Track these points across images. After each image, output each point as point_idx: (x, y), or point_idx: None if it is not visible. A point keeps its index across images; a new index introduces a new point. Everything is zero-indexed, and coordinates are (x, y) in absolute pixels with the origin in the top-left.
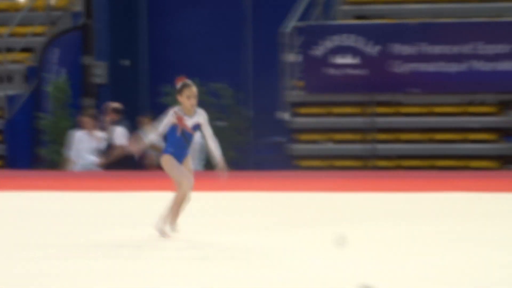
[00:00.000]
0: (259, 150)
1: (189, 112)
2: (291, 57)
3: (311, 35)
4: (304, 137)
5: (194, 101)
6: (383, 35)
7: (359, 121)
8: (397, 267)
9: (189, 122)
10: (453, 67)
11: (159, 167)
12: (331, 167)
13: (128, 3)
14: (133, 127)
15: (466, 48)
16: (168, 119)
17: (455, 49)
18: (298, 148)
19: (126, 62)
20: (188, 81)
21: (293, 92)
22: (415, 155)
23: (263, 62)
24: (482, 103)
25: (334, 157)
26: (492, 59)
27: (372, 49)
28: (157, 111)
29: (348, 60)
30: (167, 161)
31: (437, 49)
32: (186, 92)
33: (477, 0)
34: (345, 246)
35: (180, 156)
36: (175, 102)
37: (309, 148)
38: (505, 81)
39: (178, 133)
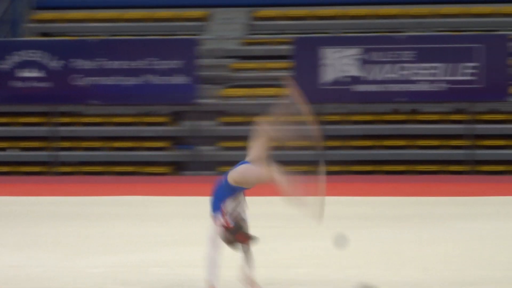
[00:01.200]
0: None
1: None
2: None
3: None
4: None
5: None
6: (66, 51)
7: (43, 130)
8: None
9: None
10: (130, 81)
11: None
12: (17, 173)
13: None
14: None
15: (142, 63)
16: None
17: (132, 64)
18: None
19: None
20: None
21: None
22: (96, 161)
23: None
24: (156, 114)
25: (20, 164)
26: (165, 73)
27: (56, 64)
28: None
29: (34, 73)
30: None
31: (115, 64)
32: None
33: (151, 19)
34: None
35: None
36: None
37: None
38: (177, 94)
39: None
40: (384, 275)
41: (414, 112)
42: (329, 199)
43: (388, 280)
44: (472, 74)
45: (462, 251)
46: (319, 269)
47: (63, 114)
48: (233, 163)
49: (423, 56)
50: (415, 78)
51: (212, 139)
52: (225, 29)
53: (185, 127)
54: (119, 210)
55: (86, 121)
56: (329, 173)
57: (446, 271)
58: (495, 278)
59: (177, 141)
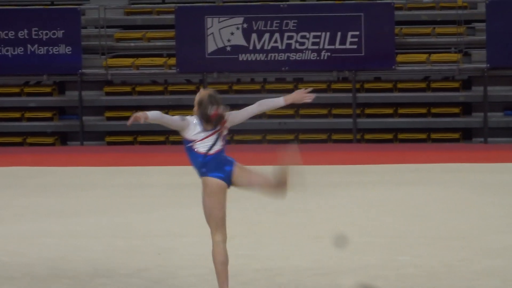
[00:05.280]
0: None
1: None
2: None
3: None
4: None
5: None
6: None
7: None
8: None
9: None
10: (12, 51)
11: None
12: None
13: None
14: None
15: (24, 33)
16: None
17: (14, 34)
18: None
19: None
20: None
21: None
22: None
23: None
24: (40, 84)
25: None
26: (48, 43)
27: None
28: None
29: None
30: None
31: None
32: None
33: None
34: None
35: None
36: None
37: None
38: (60, 64)
39: None
40: (272, 243)
41: (298, 81)
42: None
43: (275, 248)
44: (354, 43)
45: (346, 219)
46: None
47: None
48: (118, 133)
49: (306, 25)
50: (298, 47)
51: (97, 109)
52: None
53: (70, 97)
54: (4, 181)
55: None
56: None
57: (333, 238)
58: (378, 245)
59: (62, 111)
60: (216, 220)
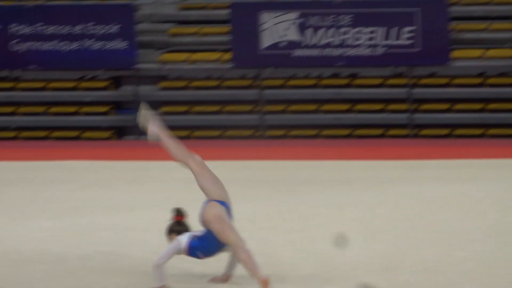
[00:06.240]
0: None
1: None
2: None
3: None
4: None
5: None
6: (2, 16)
7: None
8: None
9: None
10: (68, 46)
11: None
12: None
13: None
14: None
15: (79, 28)
16: None
17: (69, 29)
18: None
19: None
20: None
21: None
22: (35, 126)
23: None
24: (94, 79)
25: None
26: (103, 38)
27: None
28: None
29: None
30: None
31: (53, 29)
32: None
33: None
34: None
35: None
36: None
37: None
38: (116, 59)
39: None
40: (326, 237)
41: (353, 76)
42: (272, 164)
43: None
44: (410, 38)
45: (403, 214)
46: (263, 233)
47: (0, 79)
48: (173, 127)
49: (361, 21)
50: (354, 42)
51: (153, 104)
52: None
53: (125, 92)
54: (61, 175)
55: (24, 86)
56: (270, 137)
57: (388, 234)
58: (435, 241)
59: (118, 106)
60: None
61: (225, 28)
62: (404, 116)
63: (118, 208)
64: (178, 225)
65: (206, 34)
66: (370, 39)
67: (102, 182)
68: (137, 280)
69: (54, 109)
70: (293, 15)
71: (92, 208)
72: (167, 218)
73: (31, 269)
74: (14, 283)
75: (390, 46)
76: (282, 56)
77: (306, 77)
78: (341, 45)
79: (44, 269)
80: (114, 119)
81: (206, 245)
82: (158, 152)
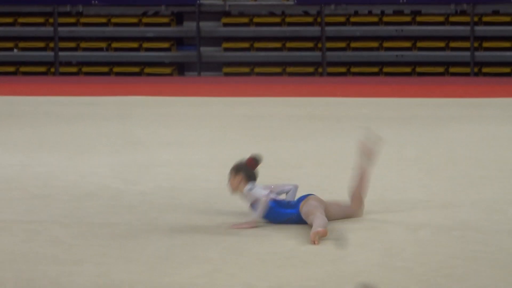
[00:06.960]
0: None
1: None
2: None
3: None
4: None
5: None
6: None
7: (43, 30)
8: None
9: None
10: None
11: None
12: (17, 73)
13: None
14: None
15: None
16: None
17: None
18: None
19: None
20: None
21: None
22: (96, 62)
23: None
24: (156, 14)
25: (21, 64)
26: None
27: None
28: None
29: None
30: None
31: None
32: None
33: None
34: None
35: None
36: None
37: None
38: None
39: None
40: (388, 175)
41: (416, 13)
42: (332, 100)
43: (391, 180)
44: None
45: (463, 152)
46: (319, 168)
47: (62, 14)
48: (235, 64)
49: None
50: None
51: (215, 40)
52: None
53: (187, 28)
54: (122, 111)
55: (86, 21)
56: (331, 74)
57: (448, 171)
58: (498, 178)
59: (180, 42)
60: None
61: None
62: (466, 54)
63: (179, 144)
64: (248, 170)
65: None
66: None
67: (162, 117)
68: (198, 217)
69: (116, 45)
70: None
71: (153, 144)
72: (227, 155)
73: (91, 204)
74: (75, 218)
75: None
76: None
77: (368, 14)
78: None
79: (104, 204)
80: (175, 55)
81: (277, 211)
82: (218, 88)
